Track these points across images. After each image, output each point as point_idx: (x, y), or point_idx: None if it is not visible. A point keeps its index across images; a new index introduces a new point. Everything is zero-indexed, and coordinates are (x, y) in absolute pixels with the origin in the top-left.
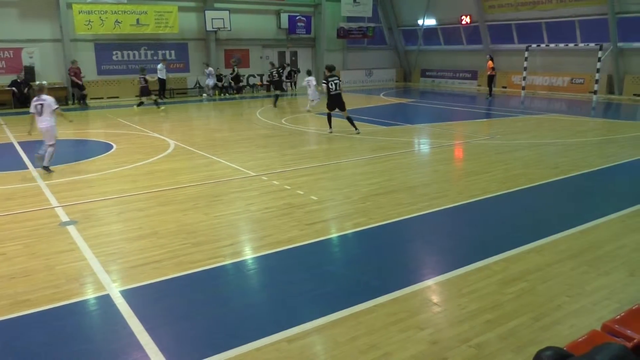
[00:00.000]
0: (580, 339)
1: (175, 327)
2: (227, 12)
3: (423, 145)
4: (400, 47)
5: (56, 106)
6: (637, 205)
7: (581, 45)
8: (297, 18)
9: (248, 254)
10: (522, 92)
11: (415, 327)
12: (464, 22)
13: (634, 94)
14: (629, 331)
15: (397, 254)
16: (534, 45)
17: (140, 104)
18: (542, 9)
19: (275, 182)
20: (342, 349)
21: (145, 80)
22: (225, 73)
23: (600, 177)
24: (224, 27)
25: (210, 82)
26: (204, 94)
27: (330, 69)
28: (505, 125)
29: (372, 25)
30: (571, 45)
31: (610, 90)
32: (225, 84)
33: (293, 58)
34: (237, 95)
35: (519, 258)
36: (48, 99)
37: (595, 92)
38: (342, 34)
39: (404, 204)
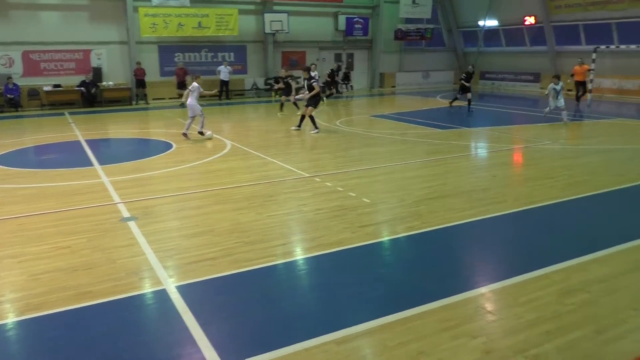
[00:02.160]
0: None
1: (227, 324)
2: (286, 14)
3: (480, 149)
4: (459, 48)
5: (201, 89)
6: None
7: None
8: (355, 20)
9: (299, 255)
10: (589, 96)
11: (468, 335)
12: (527, 23)
13: None
14: None
15: (450, 259)
16: (602, 47)
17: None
18: (612, 9)
19: (328, 183)
20: (391, 353)
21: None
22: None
23: None
24: (282, 30)
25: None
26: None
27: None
28: (569, 130)
29: (431, 26)
30: None
31: None
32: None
33: (349, 60)
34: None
35: (581, 268)
36: (196, 86)
37: None
38: (400, 35)
39: (458, 209)
